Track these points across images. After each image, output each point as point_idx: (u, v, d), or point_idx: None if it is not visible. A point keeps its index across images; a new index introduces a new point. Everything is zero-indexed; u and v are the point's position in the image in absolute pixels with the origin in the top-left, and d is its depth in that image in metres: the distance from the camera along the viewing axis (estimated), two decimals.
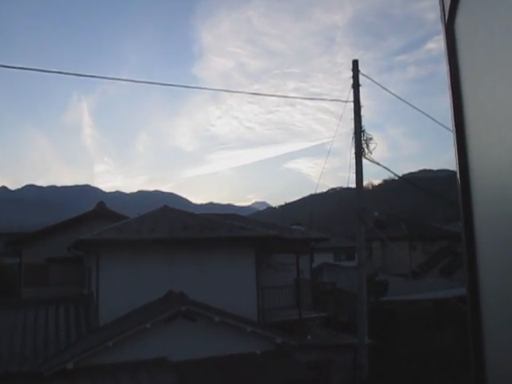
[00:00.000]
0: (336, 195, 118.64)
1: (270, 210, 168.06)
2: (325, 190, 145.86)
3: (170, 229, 13.67)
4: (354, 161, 10.64)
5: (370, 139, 10.54)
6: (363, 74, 10.69)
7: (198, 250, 13.91)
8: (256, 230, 14.87)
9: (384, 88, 10.81)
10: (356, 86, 10.71)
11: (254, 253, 14.57)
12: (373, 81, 10.61)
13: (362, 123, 10.70)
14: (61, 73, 7.35)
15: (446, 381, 12.71)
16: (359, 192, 10.74)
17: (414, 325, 16.64)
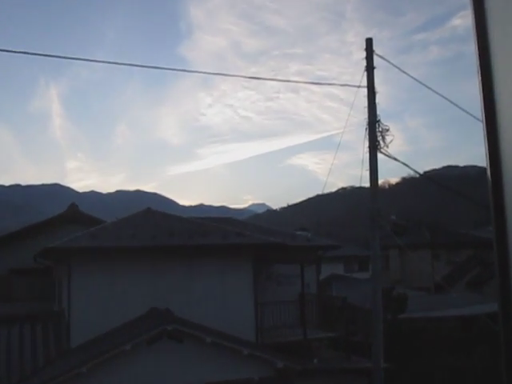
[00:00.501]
0: (347, 196, 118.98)
1: (270, 212, 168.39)
2: (334, 189, 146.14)
3: (154, 235, 13.73)
4: (367, 156, 10.65)
5: (387, 130, 10.54)
6: (378, 55, 10.69)
7: (187, 260, 13.97)
8: (254, 237, 14.92)
9: (402, 71, 10.82)
10: (370, 68, 10.72)
11: (252, 263, 14.64)
12: (389, 62, 10.61)
13: (377, 112, 10.71)
14: (25, 53, 7.30)
15: None
16: (374, 192, 10.75)
17: (437, 347, 16.67)
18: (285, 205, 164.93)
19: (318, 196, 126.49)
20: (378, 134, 10.57)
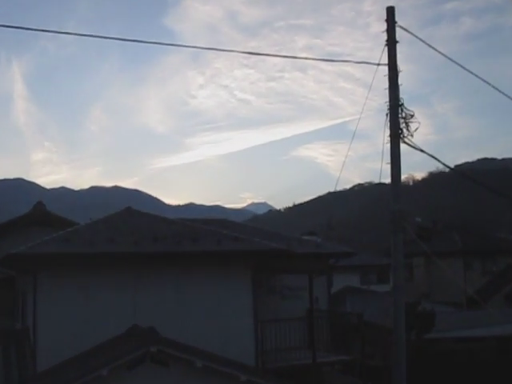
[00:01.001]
0: (363, 194, 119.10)
1: (273, 213, 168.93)
2: (348, 186, 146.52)
3: (136, 240, 13.75)
4: (387, 146, 10.62)
5: (411, 116, 10.51)
6: (401, 27, 10.63)
7: (174, 270, 14.00)
8: (254, 242, 14.96)
9: (429, 46, 10.77)
10: (391, 43, 10.67)
11: (251, 273, 14.68)
12: (414, 36, 10.56)
13: (400, 94, 10.67)
14: None
15: None
16: (395, 189, 10.75)
17: (470, 372, 16.64)
18: (290, 204, 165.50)
19: (330, 194, 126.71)
20: (401, 120, 10.54)
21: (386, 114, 10.60)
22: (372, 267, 37.84)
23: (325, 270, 18.20)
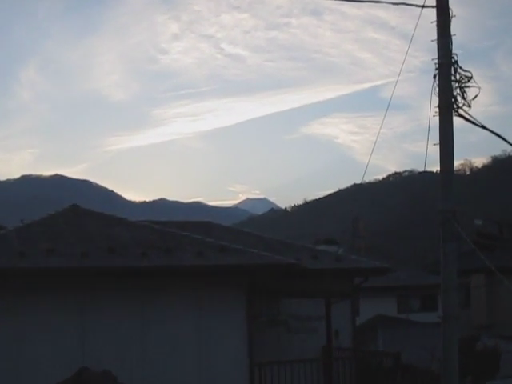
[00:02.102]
0: (402, 187, 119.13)
1: (276, 214, 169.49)
2: (380, 176, 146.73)
3: (84, 250, 13.80)
4: (435, 121, 10.66)
5: (468, 79, 10.51)
6: None
7: (138, 292, 14.08)
8: (249, 254, 15.05)
9: None
10: None
11: (246, 297, 14.79)
12: None
13: (454, 49, 10.68)
14: None
15: None
16: (446, 180, 10.78)
17: None
18: (299, 201, 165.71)
19: (355, 187, 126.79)
20: (455, 85, 10.56)
21: (434, 77, 10.60)
22: (413, 289, 37.86)
23: (348, 292, 18.27)
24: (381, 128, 11.77)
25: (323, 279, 16.99)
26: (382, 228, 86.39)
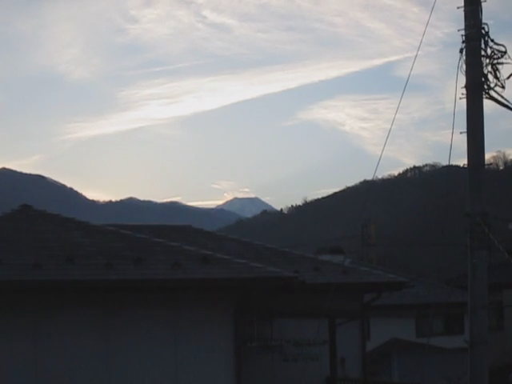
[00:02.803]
0: (422, 184, 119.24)
1: (270, 216, 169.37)
2: (396, 171, 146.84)
3: (37, 261, 13.74)
4: (461, 104, 10.64)
5: (502, 55, 10.52)
6: None
7: (101, 312, 14.10)
8: (237, 265, 15.10)
9: None
10: None
11: (232, 318, 14.85)
12: None
13: (484, 19, 10.67)
14: None
15: None
16: (475, 176, 10.79)
17: None
18: (298, 202, 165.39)
19: (365, 185, 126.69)
20: (485, 61, 10.54)
21: (460, 51, 10.59)
22: (435, 307, 37.91)
23: (357, 312, 18.33)
24: (396, 113, 11.75)
25: (326, 296, 16.94)
26: (398, 234, 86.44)
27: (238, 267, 15.06)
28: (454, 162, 10.56)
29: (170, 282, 14.36)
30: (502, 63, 10.46)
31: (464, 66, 10.56)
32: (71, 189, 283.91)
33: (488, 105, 10.59)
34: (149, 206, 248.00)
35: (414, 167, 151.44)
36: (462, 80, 10.57)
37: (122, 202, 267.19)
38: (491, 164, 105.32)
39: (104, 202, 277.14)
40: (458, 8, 10.76)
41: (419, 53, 11.45)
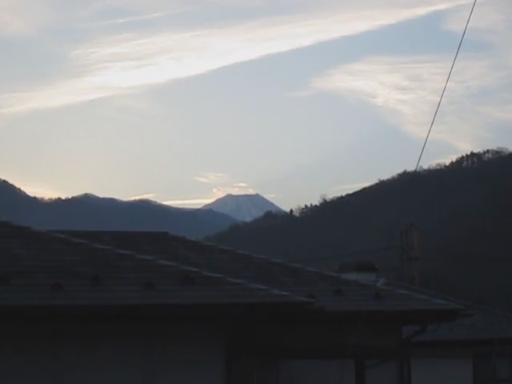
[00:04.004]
0: (482, 176, 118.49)
1: (277, 219, 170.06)
2: (447, 160, 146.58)
3: None
4: None
5: None
6: None
7: (50, 344, 14.18)
8: (231, 287, 15.16)
9: None
10: None
11: (225, 356, 14.89)
12: None
13: None
14: None
15: None
16: None
17: None
18: (314, 201, 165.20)
19: (405, 178, 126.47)
20: None
21: None
22: (499, 344, 37.99)
23: (393, 350, 18.38)
24: (447, 81, 11.67)
25: (353, 328, 16.98)
26: (450, 244, 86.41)
27: (232, 289, 15.05)
28: None
29: (140, 308, 14.32)
30: None
31: None
32: (5, 182, 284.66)
33: None
34: (111, 205, 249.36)
35: (472, 154, 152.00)
36: None
37: (74, 200, 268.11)
38: None
39: (50, 199, 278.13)
40: None
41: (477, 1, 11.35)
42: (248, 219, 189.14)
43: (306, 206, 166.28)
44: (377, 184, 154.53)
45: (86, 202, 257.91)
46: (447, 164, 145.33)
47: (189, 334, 14.81)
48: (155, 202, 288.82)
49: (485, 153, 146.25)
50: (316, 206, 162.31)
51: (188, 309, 14.62)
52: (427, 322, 19.52)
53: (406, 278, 46.84)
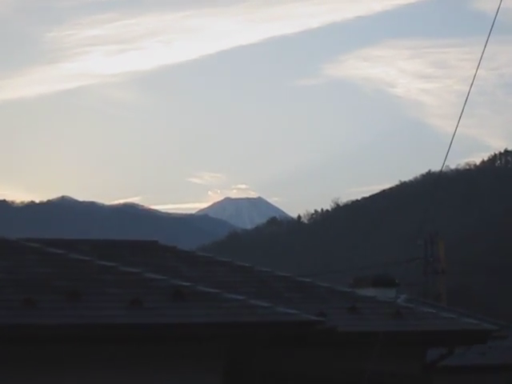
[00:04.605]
0: None
1: (282, 226, 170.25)
2: (477, 159, 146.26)
3: None
4: None
5: None
6: None
7: (15, 372, 14.08)
8: (229, 304, 15.17)
9: None
10: None
11: (222, 382, 14.81)
12: None
13: None
14: None
15: None
16: None
17: None
18: (325, 205, 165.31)
19: (429, 178, 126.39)
20: None
21: None
22: None
23: (417, 377, 18.39)
24: (477, 68, 11.69)
25: (370, 351, 16.99)
26: (480, 255, 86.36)
27: (230, 306, 15.05)
28: None
29: (125, 328, 14.32)
30: None
31: None
32: None
33: None
34: (91, 210, 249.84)
35: (506, 152, 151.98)
36: None
37: (50, 203, 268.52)
38: None
39: (22, 203, 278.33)
40: None
41: None
42: (249, 226, 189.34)
43: (315, 211, 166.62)
44: (397, 186, 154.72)
45: (62, 206, 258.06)
46: (477, 163, 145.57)
47: (180, 358, 14.78)
48: (142, 206, 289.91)
49: None
50: (327, 211, 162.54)
51: (180, 329, 14.61)
52: (455, 345, 19.51)
53: (430, 294, 46.92)
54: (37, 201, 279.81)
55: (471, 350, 23.29)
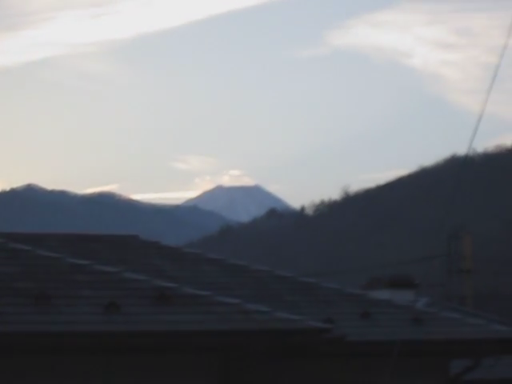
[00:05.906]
0: None
1: (283, 219, 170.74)
2: (509, 141, 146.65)
3: None
4: None
5: None
6: None
7: None
8: (222, 308, 15.19)
9: None
10: None
11: None
12: None
13: None
14: None
15: None
16: None
17: None
18: (333, 195, 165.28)
19: (453, 163, 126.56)
20: None
21: None
22: None
23: None
24: (508, 37, 11.73)
25: (385, 363, 17.05)
26: (511, 251, 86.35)
27: (222, 311, 15.09)
28: None
29: (101, 336, 14.35)
30: None
31: None
32: None
33: None
34: (61, 200, 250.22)
35: None
36: None
37: (13, 192, 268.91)
38: None
39: None
40: None
41: None
42: (244, 219, 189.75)
43: (321, 201, 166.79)
44: (416, 172, 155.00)
45: (28, 196, 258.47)
46: (508, 146, 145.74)
47: (164, 370, 14.84)
48: (120, 195, 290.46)
49: None
50: (335, 201, 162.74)
51: (163, 338, 14.65)
52: (482, 355, 19.56)
53: (454, 297, 46.93)
54: (0, 190, 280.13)
55: (501, 361, 23.28)
